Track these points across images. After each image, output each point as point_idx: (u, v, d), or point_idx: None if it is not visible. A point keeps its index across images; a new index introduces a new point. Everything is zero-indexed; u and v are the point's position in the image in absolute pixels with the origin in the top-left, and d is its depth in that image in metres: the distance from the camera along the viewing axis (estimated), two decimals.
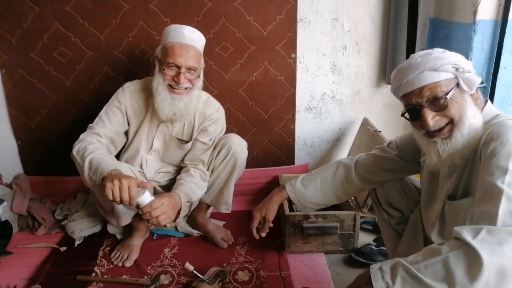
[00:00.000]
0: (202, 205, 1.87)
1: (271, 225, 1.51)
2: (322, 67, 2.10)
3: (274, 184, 2.16)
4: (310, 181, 1.44)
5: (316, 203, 1.46)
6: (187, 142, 1.75)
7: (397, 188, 1.39)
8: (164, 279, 1.61)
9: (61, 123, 2.07)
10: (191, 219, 1.91)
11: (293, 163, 2.25)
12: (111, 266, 1.70)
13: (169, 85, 1.57)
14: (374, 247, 1.72)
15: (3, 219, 1.85)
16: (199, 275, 1.50)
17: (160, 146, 1.76)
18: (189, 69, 1.56)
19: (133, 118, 1.71)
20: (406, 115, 1.11)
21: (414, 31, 1.94)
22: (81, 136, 1.62)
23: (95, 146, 1.55)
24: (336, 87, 2.15)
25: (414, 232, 1.29)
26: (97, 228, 1.92)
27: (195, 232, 1.89)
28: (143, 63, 1.98)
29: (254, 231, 1.52)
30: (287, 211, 1.72)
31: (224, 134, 1.82)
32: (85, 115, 2.05)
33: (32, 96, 2.00)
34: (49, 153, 2.12)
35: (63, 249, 1.80)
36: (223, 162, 1.75)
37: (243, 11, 1.93)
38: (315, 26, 2.01)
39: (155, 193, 1.80)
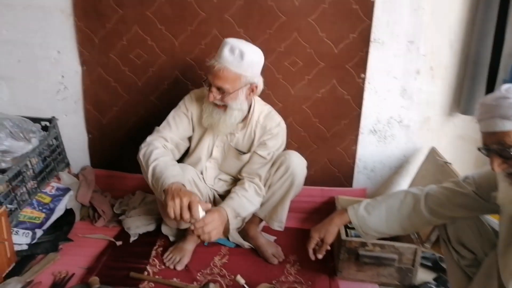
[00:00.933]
0: (255, 218, 1.85)
1: (329, 248, 1.46)
2: (392, 90, 2.02)
3: (329, 204, 2.11)
4: (374, 208, 1.39)
5: (379, 231, 1.40)
6: (244, 153, 1.76)
7: (471, 227, 1.30)
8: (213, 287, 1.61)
9: (129, 122, 2.16)
10: (243, 230, 1.90)
11: (351, 186, 2.18)
12: (163, 267, 1.73)
13: (212, 100, 1.60)
14: (433, 286, 1.62)
15: (68, 207, 1.95)
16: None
17: (219, 155, 1.78)
18: (219, 88, 1.56)
19: (198, 125, 1.75)
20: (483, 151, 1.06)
21: (498, 61, 1.82)
22: (148, 139, 1.67)
23: (160, 151, 1.59)
24: (404, 112, 2.06)
25: (488, 279, 1.19)
26: (151, 227, 1.96)
27: (246, 244, 1.88)
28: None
29: (311, 251, 1.48)
30: (343, 235, 1.66)
31: (284, 150, 1.80)
32: (152, 117, 2.11)
33: (106, 94, 2.10)
34: (115, 149, 2.22)
35: (119, 243, 1.85)
36: (280, 180, 1.72)
37: (316, 27, 1.92)
38: (389, 47, 1.95)
39: (214, 201, 1.82)
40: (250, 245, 1.87)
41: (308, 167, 1.82)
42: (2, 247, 1.51)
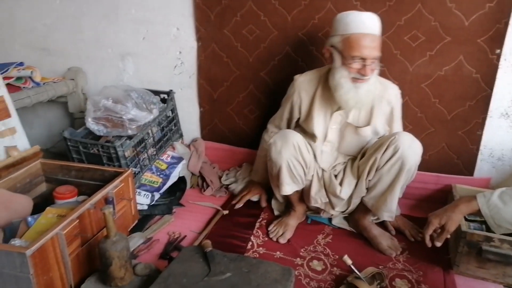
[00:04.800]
0: (365, 207, 1.73)
1: (449, 236, 1.34)
2: None
3: (444, 193, 1.94)
4: (511, 197, 1.22)
5: None
6: (364, 126, 1.68)
7: None
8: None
9: (238, 97, 2.22)
10: (354, 220, 1.81)
11: (472, 175, 1.96)
12: (266, 239, 1.76)
13: (353, 77, 1.54)
14: None
15: (180, 175, 2.09)
16: (356, 271, 1.43)
17: (336, 136, 1.73)
18: (374, 59, 1.51)
19: (305, 108, 1.73)
20: None
21: None
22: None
23: None
24: None
25: None
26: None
27: (349, 228, 1.82)
28: (324, 46, 1.95)
29: (427, 238, 1.37)
30: (463, 226, 1.51)
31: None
32: (261, 92, 2.15)
33: (219, 69, 2.18)
34: (224, 123, 2.30)
35: (225, 212, 1.93)
36: (388, 163, 1.57)
37: None
38: None
39: (323, 179, 1.77)
40: (352, 229, 1.81)
41: (424, 152, 1.67)
42: (129, 205, 1.67)
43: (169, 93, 2.17)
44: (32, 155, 1.72)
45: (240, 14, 2.03)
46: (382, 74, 1.89)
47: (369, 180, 1.65)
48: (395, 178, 1.59)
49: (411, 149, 1.55)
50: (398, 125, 1.77)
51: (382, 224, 1.81)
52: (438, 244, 1.36)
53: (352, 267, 1.44)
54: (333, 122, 1.70)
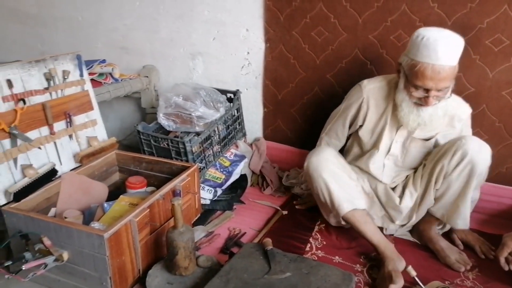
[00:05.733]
0: (431, 217, 1.66)
1: None
2: None
3: None
4: None
5: None
6: (430, 139, 1.62)
7: None
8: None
9: (302, 99, 2.22)
10: (418, 231, 1.73)
11: None
12: (324, 242, 1.74)
13: (415, 102, 1.48)
14: None
15: (242, 173, 2.13)
16: (421, 283, 1.38)
17: (399, 151, 1.67)
18: (440, 90, 1.43)
19: (372, 117, 1.67)
20: None
21: None
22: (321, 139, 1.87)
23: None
24: None
25: None
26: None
27: (412, 238, 1.75)
28: (396, 49, 1.90)
29: (502, 260, 1.29)
30: None
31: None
32: (326, 95, 2.14)
33: (285, 70, 2.20)
34: (286, 124, 2.31)
35: (285, 212, 1.94)
36: (457, 168, 1.50)
37: None
38: None
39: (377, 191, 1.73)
40: (415, 240, 1.73)
41: (500, 164, 1.61)
42: (193, 198, 1.74)
43: (235, 92, 2.22)
44: (109, 145, 1.86)
45: (310, 16, 2.03)
46: (457, 79, 1.80)
47: (437, 189, 1.58)
48: (466, 184, 1.52)
49: (481, 153, 1.49)
50: (466, 132, 1.68)
51: (448, 238, 1.72)
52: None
53: (417, 279, 1.39)
54: (399, 135, 1.64)
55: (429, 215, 1.66)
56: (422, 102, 1.46)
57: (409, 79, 1.46)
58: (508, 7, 1.65)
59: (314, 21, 2.04)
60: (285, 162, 2.32)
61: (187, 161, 1.86)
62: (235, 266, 1.41)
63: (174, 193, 1.60)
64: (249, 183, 2.19)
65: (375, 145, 1.68)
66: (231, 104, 2.19)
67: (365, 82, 1.68)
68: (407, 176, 1.72)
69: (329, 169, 1.59)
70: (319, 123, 2.19)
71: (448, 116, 1.59)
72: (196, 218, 1.82)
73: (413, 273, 1.38)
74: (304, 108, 2.23)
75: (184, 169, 1.72)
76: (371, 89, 1.66)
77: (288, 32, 2.11)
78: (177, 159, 1.88)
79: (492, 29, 1.71)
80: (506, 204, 1.85)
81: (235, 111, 2.24)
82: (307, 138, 2.26)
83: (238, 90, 2.22)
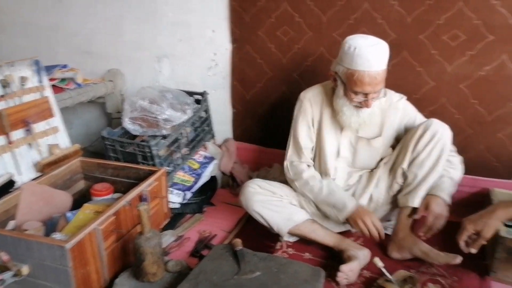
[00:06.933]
0: (403, 215, 1.63)
1: (485, 243, 1.29)
2: None
3: (481, 196, 1.85)
4: None
5: None
6: (376, 138, 1.66)
7: None
8: None
9: (270, 98, 2.22)
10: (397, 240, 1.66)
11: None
12: (295, 239, 1.74)
13: (355, 105, 1.55)
14: None
15: (212, 175, 2.12)
16: (387, 274, 1.40)
17: (348, 152, 1.70)
18: (377, 92, 1.51)
19: (318, 127, 1.71)
20: None
21: None
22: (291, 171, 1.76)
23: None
24: None
25: None
26: None
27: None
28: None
29: (462, 244, 1.34)
30: (502, 232, 1.44)
31: None
32: (293, 94, 2.11)
33: (252, 70, 2.19)
34: (255, 124, 2.31)
35: None
36: (427, 147, 1.54)
37: None
38: None
39: None
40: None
41: (461, 154, 1.64)
42: (161, 203, 1.72)
43: (203, 94, 2.21)
44: (73, 153, 1.81)
45: (275, 15, 2.04)
46: (418, 75, 1.86)
47: (405, 174, 1.61)
48: (436, 162, 1.55)
49: (446, 130, 1.56)
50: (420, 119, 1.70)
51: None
52: (474, 250, 1.32)
53: (383, 270, 1.41)
54: (344, 137, 1.68)
55: (401, 215, 1.63)
56: (363, 105, 1.54)
57: (347, 86, 1.52)
58: (464, 4, 1.70)
59: (279, 21, 2.04)
60: (255, 162, 2.32)
61: (154, 165, 1.83)
62: (204, 268, 1.39)
63: (141, 198, 1.57)
64: (219, 185, 2.17)
65: (324, 150, 1.70)
66: (199, 105, 2.17)
67: (302, 93, 1.74)
68: (361, 176, 1.75)
69: (257, 201, 1.65)
70: (288, 122, 2.20)
71: (385, 109, 1.64)
72: (166, 222, 1.79)
73: (380, 264, 1.41)
74: (272, 108, 2.24)
75: (151, 173, 1.69)
76: (311, 97, 1.71)
77: (254, 32, 2.11)
78: (144, 164, 1.84)
79: (449, 25, 1.76)
80: (466, 192, 1.90)
81: (203, 112, 2.22)
82: (277, 137, 2.25)
83: (205, 91, 2.20)
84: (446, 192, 1.55)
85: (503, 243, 1.42)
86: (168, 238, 1.71)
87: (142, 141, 1.91)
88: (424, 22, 1.79)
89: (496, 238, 1.43)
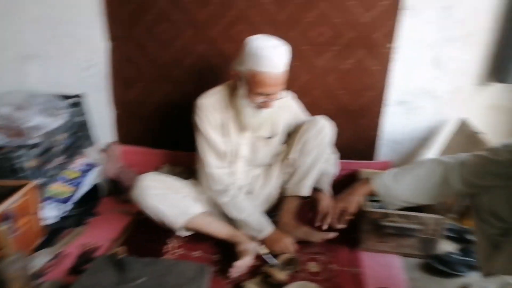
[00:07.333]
0: (290, 205, 1.75)
1: (352, 217, 1.44)
2: (423, 59, 1.93)
3: (351, 177, 2.04)
4: (402, 176, 1.35)
5: (405, 200, 1.37)
6: (271, 137, 1.74)
7: (507, 196, 1.22)
8: None
9: (153, 97, 2.16)
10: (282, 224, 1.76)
11: (375, 159, 2.13)
12: (186, 239, 1.74)
13: (256, 106, 1.57)
14: (458, 257, 1.57)
15: (94, 182, 2.00)
16: (270, 260, 1.48)
17: (248, 152, 1.74)
18: (277, 93, 1.56)
19: (222, 131, 1.69)
20: None
21: None
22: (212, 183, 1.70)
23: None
24: (434, 82, 1.97)
25: None
26: None
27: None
28: (237, 43, 1.95)
29: (333, 220, 1.48)
30: (366, 207, 1.62)
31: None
32: (177, 92, 2.12)
33: (133, 69, 2.10)
34: (140, 125, 2.24)
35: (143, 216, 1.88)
36: (315, 141, 1.67)
37: None
38: (422, 14, 1.84)
39: None
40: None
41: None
42: (32, 220, 1.56)
43: (78, 96, 2.06)
44: None
45: (153, 12, 1.98)
46: (297, 69, 1.96)
47: (292, 164, 1.72)
48: (318, 155, 1.69)
49: (331, 127, 1.69)
50: (304, 114, 1.83)
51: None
52: (340, 226, 1.47)
53: (264, 257, 1.49)
54: (245, 137, 1.71)
55: (288, 203, 1.75)
56: (263, 105, 1.56)
57: (250, 87, 1.53)
58: (325, 3, 1.86)
59: (158, 18, 1.99)
60: (143, 165, 2.23)
61: (23, 178, 1.66)
62: (84, 284, 1.31)
63: (6, 217, 1.41)
64: (103, 193, 2.06)
65: (228, 150, 1.71)
66: (75, 109, 2.03)
67: (201, 101, 1.66)
68: (259, 173, 1.82)
69: (151, 194, 1.61)
70: (173, 120, 2.18)
71: (281, 107, 1.71)
72: (40, 241, 1.64)
73: (262, 251, 1.48)
74: (157, 107, 2.18)
75: (17, 188, 1.53)
76: (209, 106, 1.65)
77: (133, 30, 2.02)
78: (10, 178, 1.66)
79: (314, 23, 1.90)
80: (341, 175, 1.99)
81: (81, 116, 2.08)
82: (163, 137, 2.23)
83: (81, 93, 2.06)
84: (326, 186, 1.74)
85: (367, 217, 1.60)
86: (41, 258, 1.55)
87: (8, 152, 1.71)
88: (295, 20, 1.91)
89: (362, 213, 1.61)
